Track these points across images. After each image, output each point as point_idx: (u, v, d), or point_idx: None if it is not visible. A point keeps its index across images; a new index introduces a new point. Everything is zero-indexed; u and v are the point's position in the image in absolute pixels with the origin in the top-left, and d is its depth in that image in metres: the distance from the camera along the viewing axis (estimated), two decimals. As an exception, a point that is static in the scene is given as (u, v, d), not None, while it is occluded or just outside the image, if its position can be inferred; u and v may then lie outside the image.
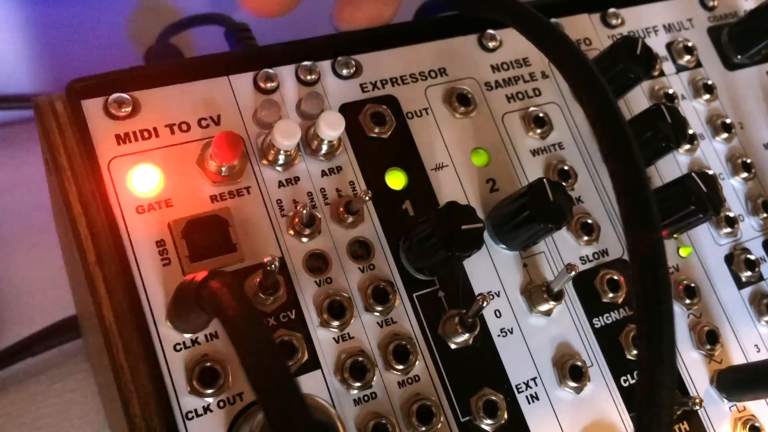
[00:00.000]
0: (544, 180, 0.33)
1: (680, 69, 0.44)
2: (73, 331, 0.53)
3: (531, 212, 0.32)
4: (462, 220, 0.31)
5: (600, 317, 0.36)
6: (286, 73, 0.36)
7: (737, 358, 0.37)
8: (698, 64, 0.44)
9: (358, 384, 0.31)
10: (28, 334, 0.53)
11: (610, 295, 0.36)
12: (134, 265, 0.30)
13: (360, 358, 0.31)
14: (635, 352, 0.35)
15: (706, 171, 0.38)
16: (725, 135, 0.42)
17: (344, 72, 0.36)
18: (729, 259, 0.40)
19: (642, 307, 0.24)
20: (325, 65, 0.36)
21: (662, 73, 0.43)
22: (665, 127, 0.36)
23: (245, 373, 0.20)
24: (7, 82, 0.67)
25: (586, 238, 0.37)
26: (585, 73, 0.27)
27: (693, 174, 0.36)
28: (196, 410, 0.29)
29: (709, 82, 0.43)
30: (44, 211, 0.62)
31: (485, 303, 0.31)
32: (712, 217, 0.36)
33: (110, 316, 0.29)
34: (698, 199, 0.35)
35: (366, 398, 0.31)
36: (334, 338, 0.32)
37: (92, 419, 0.54)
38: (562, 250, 0.36)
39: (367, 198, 0.32)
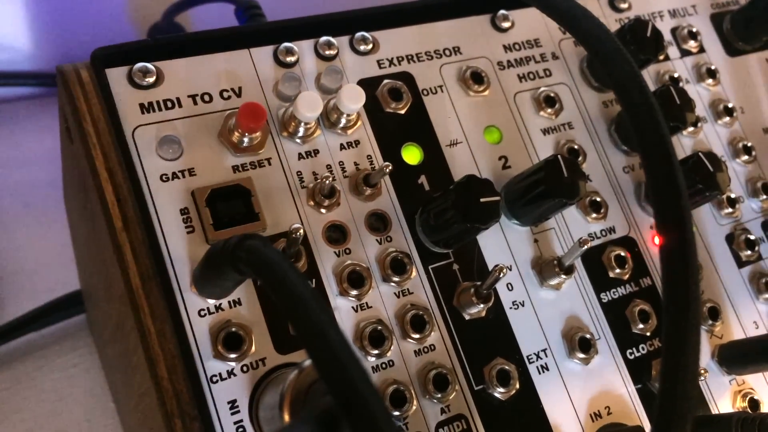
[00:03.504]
0: (559, 156, 0.34)
1: (684, 54, 0.45)
2: (76, 306, 0.53)
3: (546, 187, 0.33)
4: (480, 193, 0.32)
5: (607, 292, 0.37)
6: (305, 47, 0.36)
7: (737, 334, 0.39)
8: (701, 50, 0.45)
9: (376, 351, 0.32)
10: (31, 309, 0.53)
11: (617, 270, 0.37)
12: (159, 232, 0.30)
13: (378, 327, 0.32)
14: (641, 326, 0.36)
15: (712, 152, 0.39)
16: (727, 119, 0.43)
17: (362, 48, 0.37)
18: (730, 239, 0.41)
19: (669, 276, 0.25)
20: (344, 41, 0.37)
21: (667, 58, 0.44)
22: (674, 108, 0.37)
23: (292, 325, 0.20)
24: (7, 59, 0.67)
25: (594, 215, 0.38)
26: (621, 65, 0.28)
27: (700, 154, 0.37)
28: (220, 374, 0.29)
29: (712, 67, 0.44)
30: (44, 188, 0.63)
31: (501, 274, 0.32)
32: (717, 196, 0.37)
33: (137, 280, 0.29)
34: (705, 177, 0.36)
35: (384, 366, 0.32)
36: (353, 307, 0.32)
37: (96, 393, 0.54)
38: (572, 227, 0.37)
39: (387, 170, 0.32)
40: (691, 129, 0.42)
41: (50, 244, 0.60)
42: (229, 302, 0.30)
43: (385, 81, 0.36)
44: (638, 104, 0.26)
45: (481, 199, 0.31)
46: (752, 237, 0.41)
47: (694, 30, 0.45)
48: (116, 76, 0.32)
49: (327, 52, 0.36)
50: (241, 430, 0.29)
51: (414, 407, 0.31)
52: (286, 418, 0.25)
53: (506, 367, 0.33)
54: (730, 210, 0.41)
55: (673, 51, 0.45)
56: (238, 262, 0.24)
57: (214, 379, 0.29)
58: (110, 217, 0.30)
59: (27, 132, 0.68)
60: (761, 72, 0.47)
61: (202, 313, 0.30)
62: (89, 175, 0.31)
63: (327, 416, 0.19)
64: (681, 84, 0.43)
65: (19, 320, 0.52)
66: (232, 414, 0.29)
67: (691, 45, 0.45)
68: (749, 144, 0.43)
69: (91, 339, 0.56)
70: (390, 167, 0.33)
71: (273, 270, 0.21)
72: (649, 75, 0.43)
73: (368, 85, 0.36)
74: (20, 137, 0.67)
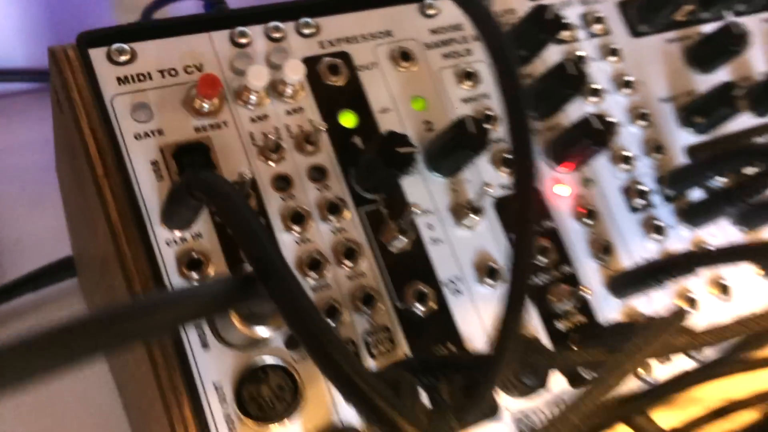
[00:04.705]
0: (466, 116, 0.41)
1: (592, 36, 0.52)
2: (69, 270, 0.59)
3: (456, 141, 0.40)
4: (398, 144, 0.39)
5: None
6: (257, 31, 0.43)
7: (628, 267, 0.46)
8: (607, 32, 0.52)
9: (314, 275, 0.38)
10: (26, 273, 0.60)
11: (524, 214, 0.44)
12: (134, 179, 0.37)
13: (316, 256, 0.39)
14: (542, 259, 0.43)
15: (604, 115, 0.46)
16: (628, 90, 0.51)
17: (306, 31, 0.44)
18: (625, 190, 0.48)
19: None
20: (290, 26, 0.44)
21: (576, 39, 0.51)
22: (568, 79, 0.44)
23: (236, 238, 0.27)
24: (1, 57, 0.74)
25: (506, 170, 0.45)
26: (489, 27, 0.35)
27: (590, 114, 0.44)
28: (185, 290, 0.36)
29: (616, 47, 0.52)
30: (38, 172, 0.69)
31: (413, 210, 0.39)
32: (604, 149, 0.44)
33: (115, 215, 0.36)
34: (594, 133, 0.43)
35: (321, 287, 0.39)
36: (295, 241, 0.39)
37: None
38: (486, 179, 0.44)
39: (322, 129, 0.39)
40: (595, 99, 0.49)
41: (47, 220, 0.67)
42: (192, 235, 0.37)
43: (325, 58, 0.43)
44: (499, 62, 0.33)
45: (399, 149, 0.38)
46: (645, 189, 0.48)
47: (601, 15, 0.52)
48: (97, 54, 0.39)
49: (275, 35, 0.43)
50: (203, 338, 0.36)
51: (346, 318, 0.38)
52: (234, 320, 0.32)
53: (424, 290, 0.40)
54: (626, 166, 0.48)
55: (581, 33, 0.52)
56: (192, 188, 0.31)
57: (179, 293, 0.36)
58: (93, 166, 0.37)
59: (22, 123, 0.74)
60: (660, 51, 0.54)
61: (170, 243, 0.37)
62: (76, 135, 0.38)
63: (245, 277, 0.25)
64: (586, 61, 0.50)
65: (16, 281, 0.58)
66: (196, 325, 0.36)
67: (598, 28, 0.52)
68: (647, 111, 0.51)
69: (84, 303, 0.63)
70: (326, 126, 0.40)
71: (214, 188, 0.28)
72: (559, 53, 0.50)
73: (311, 62, 0.43)
74: (16, 127, 0.74)
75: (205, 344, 0.35)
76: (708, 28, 0.54)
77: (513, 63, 0.32)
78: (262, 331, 0.32)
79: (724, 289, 0.48)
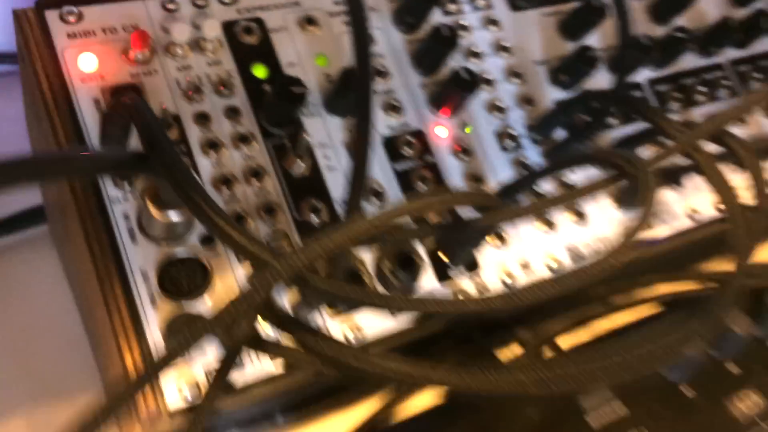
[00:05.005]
0: (349, 67, 0.50)
1: (476, 9, 0.62)
2: (40, 217, 0.68)
3: (344, 85, 0.50)
4: (293, 85, 0.48)
5: (399, 163, 0.53)
6: (184, 0, 0.53)
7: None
8: (489, 6, 0.62)
9: (226, 190, 0.48)
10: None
11: (407, 149, 0.54)
12: (79, 113, 0.47)
13: (228, 176, 0.48)
14: (422, 186, 0.53)
15: (474, 72, 0.55)
16: (506, 54, 0.60)
17: (226, 0, 0.53)
18: (498, 134, 0.58)
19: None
20: (213, -4, 0.54)
21: (461, 12, 0.61)
22: (441, 39, 0.54)
23: (137, 129, 0.37)
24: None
25: (393, 114, 0.54)
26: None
27: (460, 67, 0.54)
28: (118, 198, 0.45)
29: (497, 19, 0.61)
30: (16, 140, 0.78)
31: (304, 137, 0.48)
32: (470, 95, 0.54)
33: (64, 140, 0.45)
34: (461, 82, 0.53)
35: (232, 201, 0.48)
36: (211, 164, 0.49)
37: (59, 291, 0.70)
38: (377, 121, 0.54)
39: (233, 78, 0.49)
40: (476, 61, 0.59)
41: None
42: (125, 157, 0.47)
43: (242, 22, 0.53)
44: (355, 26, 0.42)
45: (292, 88, 0.48)
46: (515, 133, 0.58)
47: (482, -7, 0.62)
48: (51, 15, 0.48)
49: (199, 3, 0.53)
50: (132, 234, 0.45)
51: (251, 225, 0.47)
52: (149, 206, 0.41)
53: (319, 205, 0.50)
54: (500, 115, 0.58)
55: (467, 8, 0.61)
56: (118, 107, 0.40)
57: (114, 199, 0.45)
58: (46, 102, 0.46)
59: (1, 99, 0.84)
60: (537, 23, 0.64)
61: (107, 162, 0.46)
62: (34, 80, 0.47)
63: (142, 152, 0.35)
64: (469, 29, 0.60)
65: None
66: (126, 223, 0.45)
67: (481, 3, 0.62)
68: (521, 72, 0.60)
69: (53, 248, 0.72)
70: (236, 76, 0.49)
71: (130, 102, 0.38)
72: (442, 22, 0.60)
73: (229, 25, 0.53)
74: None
75: (133, 238, 0.45)
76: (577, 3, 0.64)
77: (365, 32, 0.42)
78: (173, 215, 0.41)
79: (580, 215, 0.57)
